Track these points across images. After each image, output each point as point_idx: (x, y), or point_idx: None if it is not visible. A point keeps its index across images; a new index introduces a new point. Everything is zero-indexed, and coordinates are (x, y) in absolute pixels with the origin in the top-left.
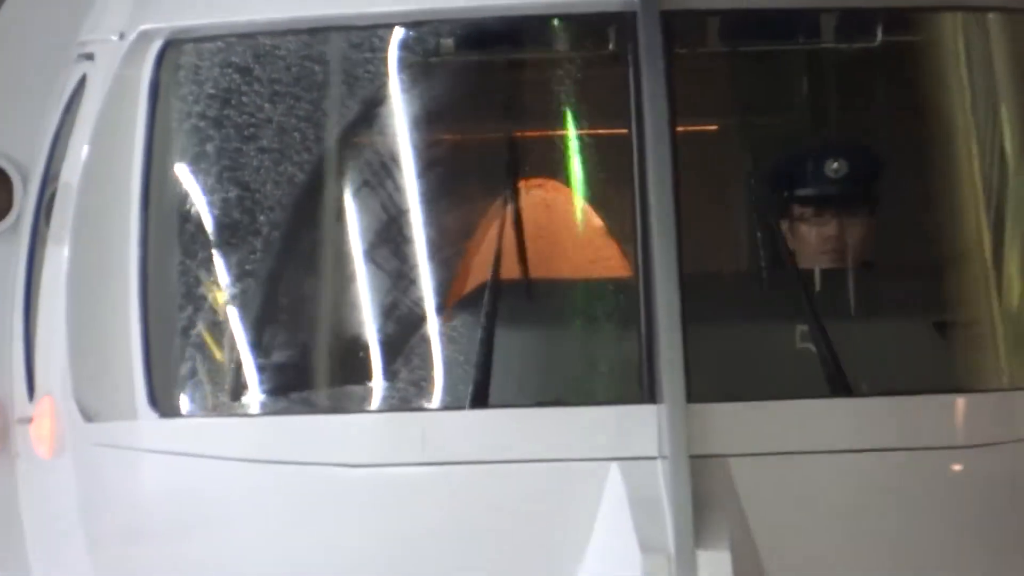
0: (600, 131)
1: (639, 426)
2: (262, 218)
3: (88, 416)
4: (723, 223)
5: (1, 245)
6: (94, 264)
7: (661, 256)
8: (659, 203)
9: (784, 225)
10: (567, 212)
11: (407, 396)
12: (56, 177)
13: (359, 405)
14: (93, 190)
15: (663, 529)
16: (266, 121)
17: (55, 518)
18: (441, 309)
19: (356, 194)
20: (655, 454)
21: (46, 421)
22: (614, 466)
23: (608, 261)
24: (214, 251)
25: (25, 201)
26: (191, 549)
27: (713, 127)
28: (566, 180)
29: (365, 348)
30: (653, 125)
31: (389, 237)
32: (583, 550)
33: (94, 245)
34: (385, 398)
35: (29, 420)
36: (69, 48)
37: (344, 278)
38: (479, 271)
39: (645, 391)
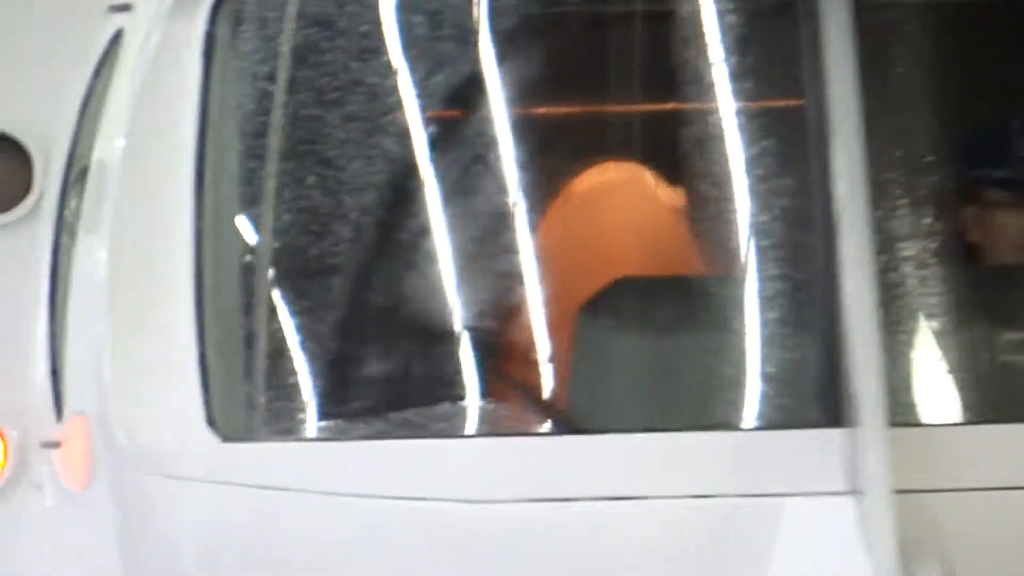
0: (763, 102)
1: (817, 454)
2: (347, 202)
3: (132, 440)
4: (903, 211)
5: (17, 234)
6: (138, 258)
7: (852, 254)
8: (849, 191)
9: (975, 213)
10: (719, 200)
11: (525, 418)
12: (86, 153)
13: (466, 428)
14: (135, 169)
15: None
16: (350, 83)
17: (88, 558)
18: (567, 315)
19: (457, 178)
20: (840, 488)
21: (78, 445)
22: (789, 503)
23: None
24: (287, 241)
25: (47, 182)
26: None
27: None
28: (720, 163)
29: (474, 361)
30: (839, 96)
31: (497, 228)
32: None
33: (138, 235)
34: (500, 420)
35: (56, 445)
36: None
37: (447, 277)
38: (605, 270)
39: (826, 413)
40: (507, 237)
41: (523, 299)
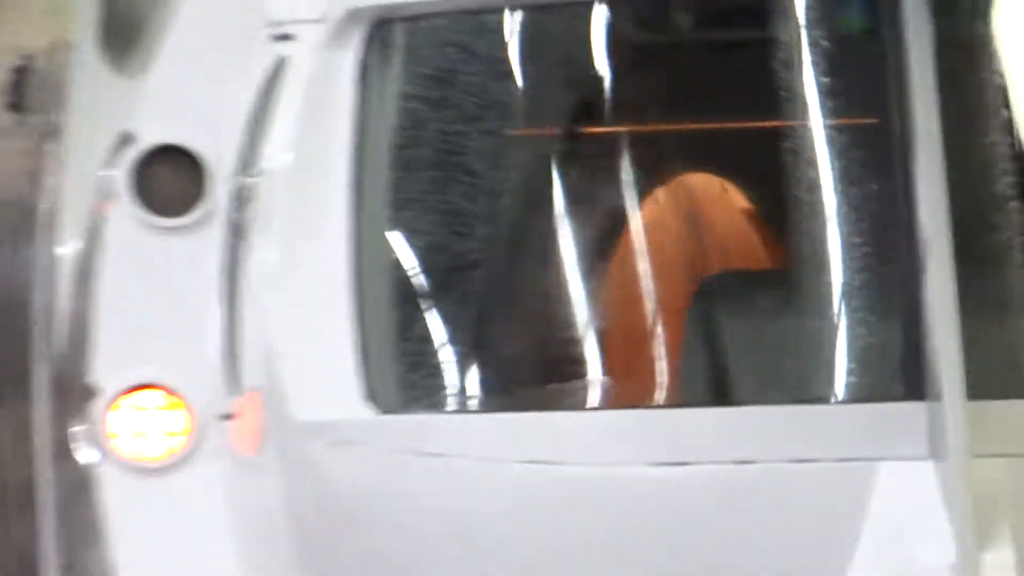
0: (852, 119)
1: (903, 425)
2: (482, 206)
3: (300, 412)
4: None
5: (192, 234)
6: (304, 254)
7: (933, 244)
8: (930, 195)
9: None
10: (807, 204)
11: (645, 392)
12: (252, 164)
13: (593, 402)
14: (301, 177)
15: (940, 533)
16: (489, 102)
17: (259, 519)
18: (676, 303)
19: (587, 182)
20: (923, 455)
21: (252, 417)
22: (879, 467)
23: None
24: (429, 239)
25: (217, 189)
26: (409, 550)
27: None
28: (810, 171)
29: (601, 342)
30: (921, 108)
31: (619, 227)
32: (849, 558)
33: (303, 235)
34: (624, 395)
35: (230, 416)
36: (252, 30)
37: (575, 268)
38: (713, 261)
39: (911, 388)
40: (620, 235)
41: (637, 290)
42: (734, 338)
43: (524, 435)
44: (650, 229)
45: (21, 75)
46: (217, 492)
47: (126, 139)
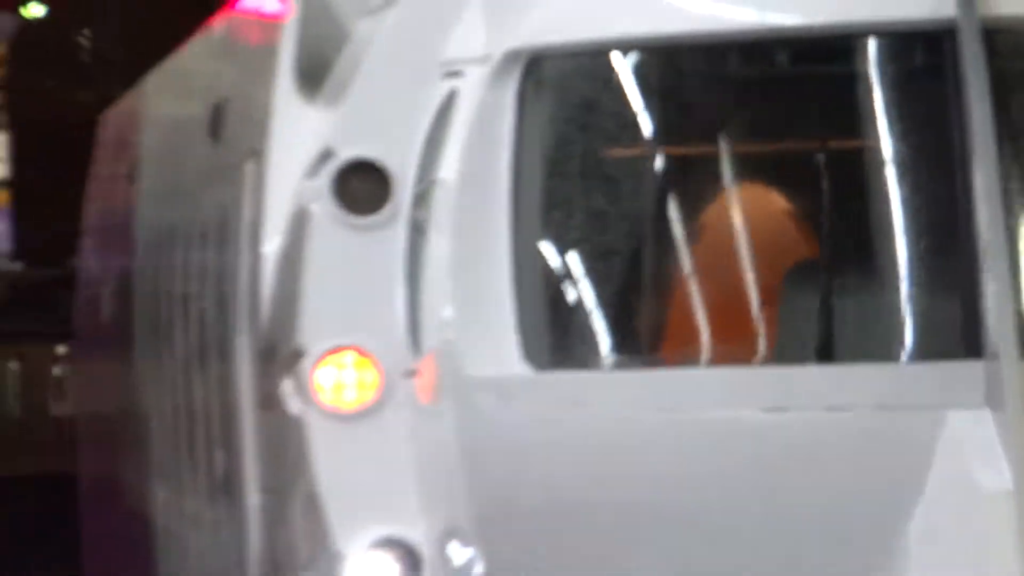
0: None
1: (966, 380)
2: (617, 203)
3: (471, 370)
4: None
5: (380, 229)
6: (472, 244)
7: (989, 223)
8: (986, 184)
9: None
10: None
11: (755, 351)
12: (428, 176)
13: (715, 360)
14: (470, 186)
15: (1000, 467)
16: (621, 125)
17: (437, 459)
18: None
19: (696, 192)
20: (983, 406)
21: (431, 374)
22: (949, 415)
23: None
24: (573, 231)
25: (400, 194)
26: (561, 488)
27: None
28: (879, 186)
29: (719, 313)
30: (980, 135)
31: (726, 222)
32: (922, 489)
33: (471, 229)
34: (738, 354)
35: (414, 373)
36: (428, 67)
37: (695, 255)
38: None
39: (972, 348)
40: (728, 229)
41: (741, 271)
42: (823, 308)
43: (658, 388)
44: (750, 224)
45: (219, 110)
46: (402, 436)
47: (326, 155)
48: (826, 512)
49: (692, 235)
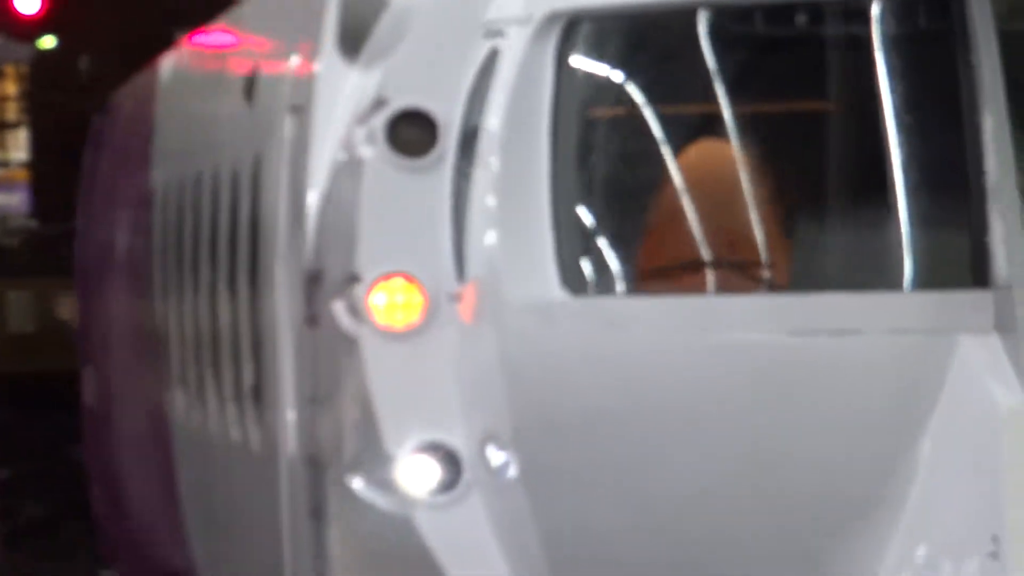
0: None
1: (978, 306)
2: (647, 152)
3: (513, 295)
4: None
5: (427, 171)
6: (514, 182)
7: (997, 161)
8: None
9: None
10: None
11: (778, 279)
12: (473, 124)
13: (744, 287)
14: (513, 134)
15: (1013, 390)
16: (651, 81)
17: (479, 376)
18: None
19: (709, 140)
20: (992, 331)
21: (474, 298)
22: (961, 339)
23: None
24: (606, 176)
25: (445, 140)
26: (598, 406)
27: None
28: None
29: (745, 243)
30: (988, 78)
31: (749, 163)
32: (934, 405)
33: (514, 168)
34: (764, 281)
35: (458, 297)
36: (471, 27)
37: (719, 193)
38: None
39: (981, 278)
40: (748, 170)
41: (762, 208)
42: (840, 243)
43: (686, 312)
44: (770, 159)
45: (253, 76)
46: (446, 352)
47: (379, 104)
48: (843, 429)
49: (720, 171)
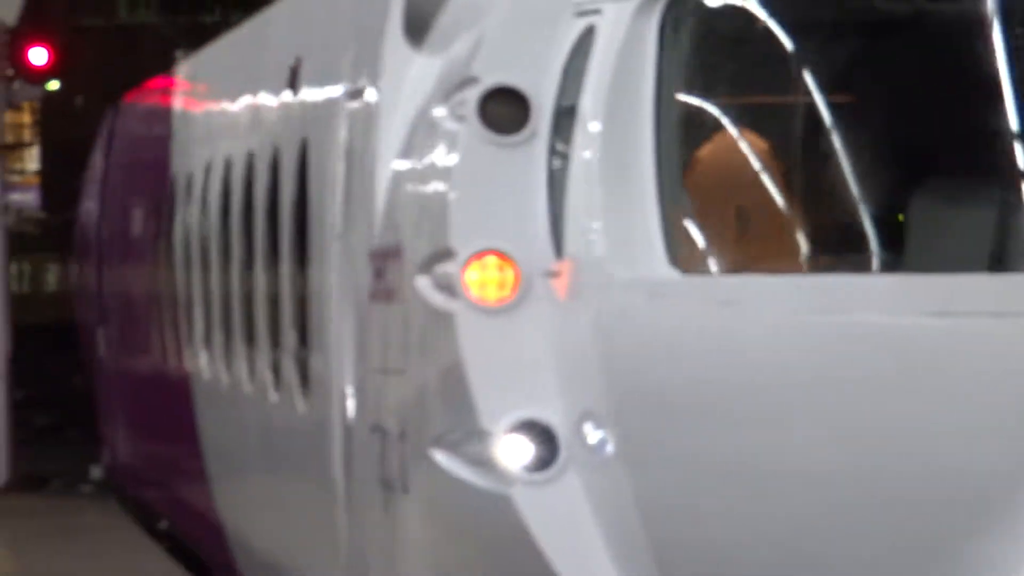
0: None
1: None
2: (744, 133)
3: (619, 272)
4: None
5: (519, 149)
6: (617, 160)
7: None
8: None
9: None
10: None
11: (904, 260)
12: (568, 101)
13: (865, 267)
14: (614, 111)
15: None
16: (758, 60)
17: (575, 352)
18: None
19: (814, 125)
20: None
21: (571, 275)
22: None
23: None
24: (717, 141)
25: (537, 117)
26: (706, 386)
27: None
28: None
29: (872, 221)
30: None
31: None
32: None
33: (617, 147)
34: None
35: (554, 274)
36: (561, 6)
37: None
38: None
39: None
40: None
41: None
42: (981, 219)
43: (808, 292)
44: (899, 141)
45: (295, 69)
46: (540, 328)
47: (469, 80)
48: (986, 420)
49: (837, 149)
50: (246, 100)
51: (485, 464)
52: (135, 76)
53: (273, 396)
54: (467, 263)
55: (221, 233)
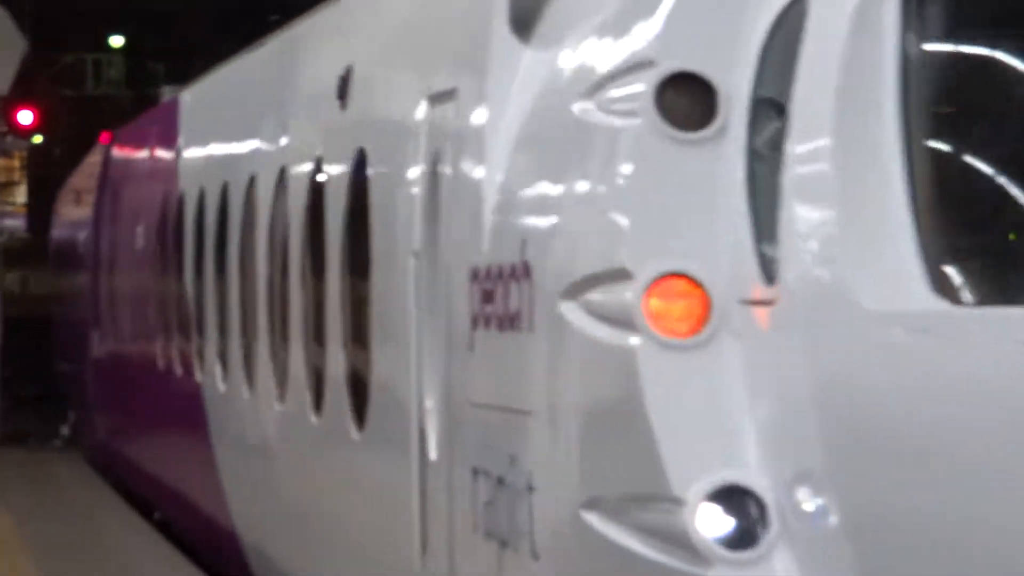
0: None
1: None
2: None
3: (869, 302)
4: None
5: (705, 149)
6: (850, 175)
7: None
8: None
9: None
10: None
11: None
12: (765, 95)
13: None
14: (848, 101)
15: None
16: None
17: (781, 394)
18: None
19: None
20: None
21: (784, 303)
22: None
23: None
24: (989, 152)
25: (727, 110)
26: (969, 437)
27: None
28: None
29: None
30: None
31: None
32: None
33: (851, 161)
34: None
35: (762, 303)
36: None
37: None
38: None
39: None
40: None
41: None
42: None
43: None
44: None
45: (345, 79)
46: (737, 368)
47: (643, 64)
48: None
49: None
50: (271, 119)
51: (671, 539)
52: (98, 133)
53: (313, 419)
54: (649, 288)
55: (244, 250)
